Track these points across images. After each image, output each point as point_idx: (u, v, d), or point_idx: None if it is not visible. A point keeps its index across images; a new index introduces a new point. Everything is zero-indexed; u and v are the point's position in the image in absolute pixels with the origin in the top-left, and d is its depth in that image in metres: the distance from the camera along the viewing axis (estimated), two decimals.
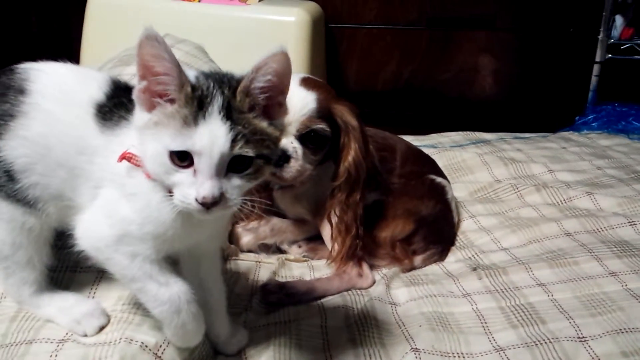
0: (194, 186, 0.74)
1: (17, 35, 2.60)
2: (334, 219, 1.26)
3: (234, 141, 0.73)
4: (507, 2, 2.39)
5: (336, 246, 1.26)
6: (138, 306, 0.95)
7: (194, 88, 0.74)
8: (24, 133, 0.84)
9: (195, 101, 0.74)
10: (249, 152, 0.74)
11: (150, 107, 0.76)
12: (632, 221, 1.41)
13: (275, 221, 1.39)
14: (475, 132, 2.04)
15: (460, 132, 2.04)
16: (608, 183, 1.63)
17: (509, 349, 1.02)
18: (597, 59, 2.26)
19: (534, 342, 1.03)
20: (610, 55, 2.25)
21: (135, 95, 0.76)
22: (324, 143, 1.23)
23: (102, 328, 0.93)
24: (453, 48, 2.44)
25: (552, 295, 1.15)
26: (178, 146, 0.73)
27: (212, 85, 0.75)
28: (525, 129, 2.12)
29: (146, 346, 0.90)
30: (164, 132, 0.74)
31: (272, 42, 2.09)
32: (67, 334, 0.92)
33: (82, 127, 0.84)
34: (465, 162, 1.78)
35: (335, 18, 2.40)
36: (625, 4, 2.22)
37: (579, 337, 1.04)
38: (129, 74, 1.42)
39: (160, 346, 0.91)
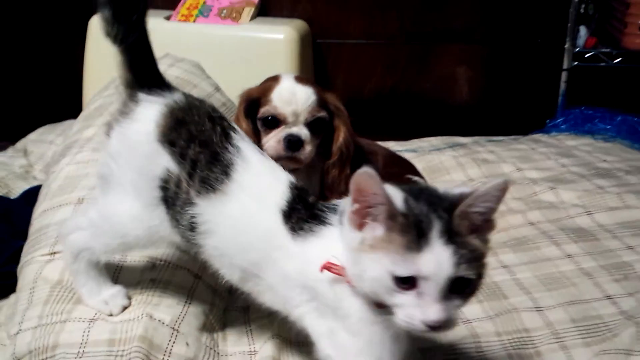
0: (419, 308, 0.75)
1: (21, 54, 2.64)
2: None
3: (457, 264, 0.74)
4: (480, 17, 2.47)
5: None
6: (155, 289, 1.10)
7: (406, 216, 0.75)
8: (217, 207, 0.90)
9: (413, 227, 0.74)
10: (471, 274, 0.75)
11: (360, 227, 0.78)
12: (589, 211, 1.55)
13: None
14: (453, 137, 2.14)
15: (439, 137, 2.15)
16: (571, 179, 1.74)
17: (475, 320, 1.16)
18: (565, 66, 2.33)
19: (496, 314, 1.17)
20: (576, 62, 2.33)
21: (347, 217, 0.79)
22: (323, 128, 1.42)
23: (125, 308, 1.08)
24: (431, 60, 2.52)
25: (514, 275, 1.30)
26: (403, 272, 0.74)
27: (426, 209, 0.75)
28: (500, 133, 2.20)
29: (163, 322, 1.04)
30: (384, 257, 0.75)
31: (262, 59, 2.17)
32: (96, 314, 1.05)
33: (274, 228, 0.88)
34: (443, 164, 1.90)
35: (322, 34, 2.48)
36: (588, 16, 2.31)
37: (536, 308, 1.18)
38: None
39: (176, 321, 1.05)
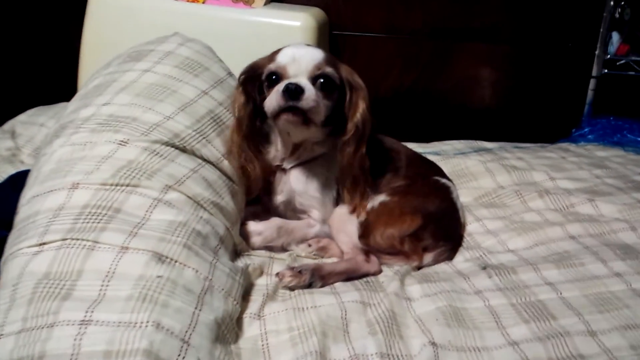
0: None
1: (10, 30, 2.58)
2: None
3: None
4: (508, 15, 2.44)
5: (352, 200, 1.38)
6: (162, 286, 0.97)
7: None
8: None
9: None
10: None
11: None
12: (633, 226, 1.48)
13: (280, 222, 1.41)
14: (477, 141, 2.10)
15: (462, 141, 2.10)
16: (607, 191, 1.67)
17: (523, 342, 1.06)
18: (594, 73, 2.31)
19: (546, 336, 1.07)
20: (606, 70, 2.31)
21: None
22: (333, 89, 1.31)
23: None
24: (454, 58, 2.48)
25: (560, 294, 1.19)
26: None
27: None
28: (522, 139, 2.17)
29: (172, 332, 0.90)
30: None
31: (276, 46, 2.10)
32: (86, 313, 0.91)
33: None
34: (469, 169, 1.83)
35: (339, 26, 2.44)
36: (622, 21, 2.26)
37: (589, 332, 1.08)
38: (139, 70, 1.48)
39: (187, 331, 0.92)
